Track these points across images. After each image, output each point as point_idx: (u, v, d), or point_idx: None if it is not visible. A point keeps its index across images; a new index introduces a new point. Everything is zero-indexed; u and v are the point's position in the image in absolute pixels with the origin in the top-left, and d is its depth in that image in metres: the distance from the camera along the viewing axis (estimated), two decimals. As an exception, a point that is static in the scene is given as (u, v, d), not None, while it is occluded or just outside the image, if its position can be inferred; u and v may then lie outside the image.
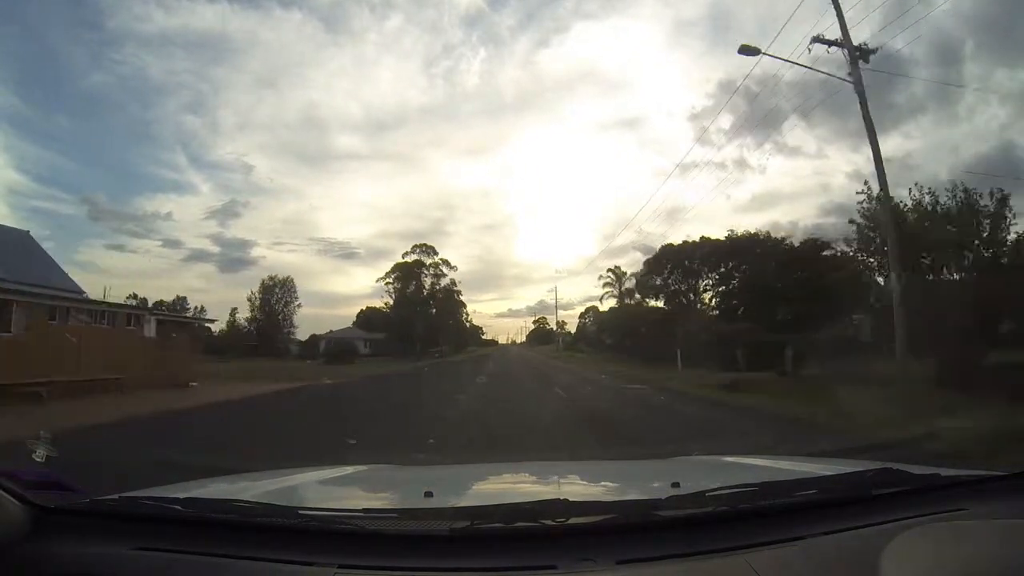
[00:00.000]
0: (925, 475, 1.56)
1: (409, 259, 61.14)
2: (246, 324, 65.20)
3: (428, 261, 61.93)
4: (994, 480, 1.55)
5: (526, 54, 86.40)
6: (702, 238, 38.76)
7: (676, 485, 1.63)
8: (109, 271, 76.85)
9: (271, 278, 67.34)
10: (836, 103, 38.27)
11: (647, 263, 42.94)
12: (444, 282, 62.20)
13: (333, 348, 45.90)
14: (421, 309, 58.33)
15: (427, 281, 61.10)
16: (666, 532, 1.29)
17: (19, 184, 67.66)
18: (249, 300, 66.24)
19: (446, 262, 62.90)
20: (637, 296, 48.94)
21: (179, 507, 1.42)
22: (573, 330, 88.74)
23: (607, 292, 60.91)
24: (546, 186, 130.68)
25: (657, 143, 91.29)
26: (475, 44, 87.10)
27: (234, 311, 69.72)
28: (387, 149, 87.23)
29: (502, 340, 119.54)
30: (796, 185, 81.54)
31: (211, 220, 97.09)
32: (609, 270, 61.47)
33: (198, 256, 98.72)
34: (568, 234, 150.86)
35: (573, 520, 1.25)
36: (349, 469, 2.54)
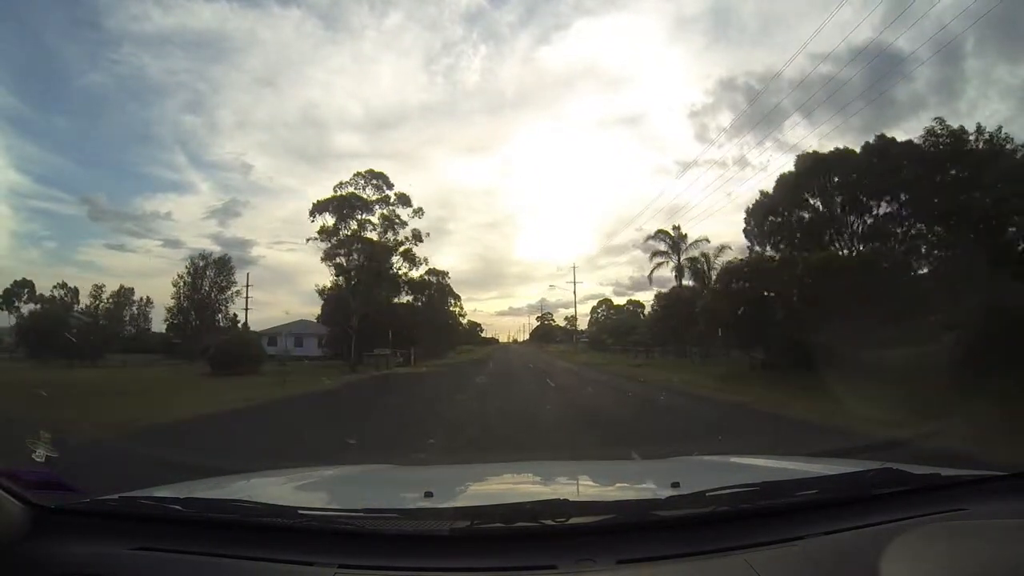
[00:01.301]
0: (925, 475, 1.56)
1: (342, 192, 34.24)
2: (169, 316, 48.96)
3: (374, 197, 34.42)
4: (994, 480, 1.55)
5: (527, 51, 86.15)
6: (879, 137, 21.98)
7: (676, 485, 1.63)
8: (109, 271, 76.39)
9: (202, 256, 50.08)
10: (836, 101, 37.95)
11: (778, 184, 24.41)
12: (404, 234, 35.76)
13: (217, 353, 28.14)
14: (365, 280, 34.81)
15: (373, 235, 35.00)
16: (666, 532, 1.29)
17: (20, 184, 67.40)
18: (175, 285, 49.21)
19: (403, 198, 34.93)
20: (723, 260, 31.27)
21: (179, 507, 1.42)
22: (578, 327, 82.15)
23: (659, 263, 38.68)
24: (547, 184, 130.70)
25: (658, 140, 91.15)
26: (475, 41, 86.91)
27: (128, 292, 53.78)
28: (387, 147, 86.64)
29: (503, 339, 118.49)
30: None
31: (211, 219, 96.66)
32: (660, 231, 38.39)
33: (198, 255, 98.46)
34: (569, 232, 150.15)
35: (573, 520, 1.25)
36: (349, 469, 2.54)
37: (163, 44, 73.84)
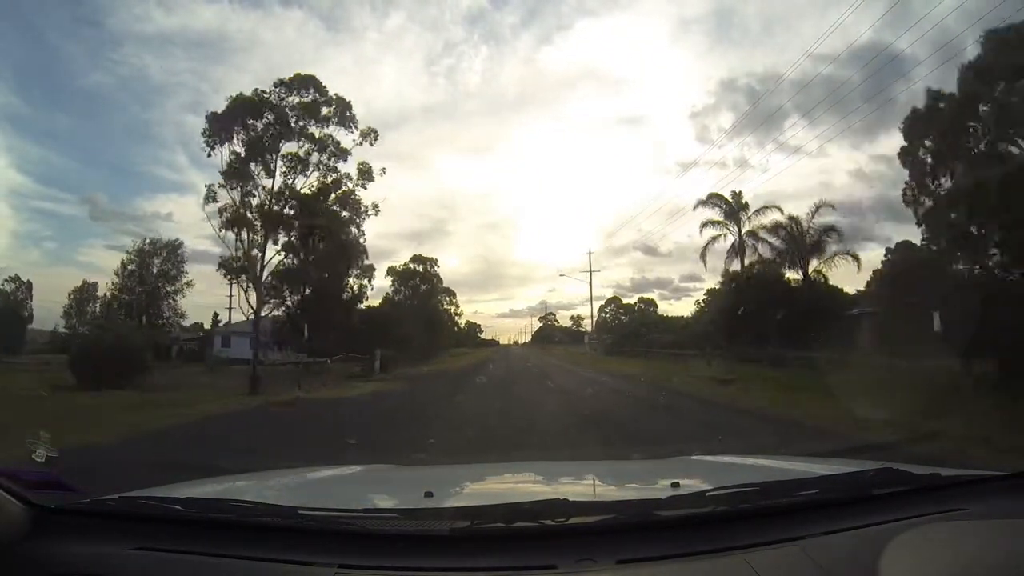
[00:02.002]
0: (925, 475, 1.56)
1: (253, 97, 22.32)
2: (103, 311, 39.51)
3: (295, 100, 22.67)
4: (994, 480, 1.55)
5: (528, 52, 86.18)
6: None
7: (676, 485, 1.64)
8: (110, 271, 75.49)
9: (150, 241, 41.85)
10: (838, 102, 37.49)
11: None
12: (346, 170, 24.33)
13: (78, 358, 19.89)
14: (285, 244, 24.22)
15: (303, 179, 23.44)
16: (666, 532, 1.29)
17: (21, 185, 67.05)
18: (116, 273, 40.78)
19: (341, 108, 23.21)
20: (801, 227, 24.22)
21: (179, 507, 1.42)
22: (587, 328, 78.55)
23: (714, 237, 29.13)
24: (547, 185, 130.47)
25: (659, 141, 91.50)
26: (477, 42, 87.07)
27: (91, 288, 43.71)
28: (388, 148, 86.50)
29: (503, 340, 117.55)
30: (797, 183, 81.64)
31: (212, 220, 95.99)
32: (713, 195, 29.46)
33: (198, 257, 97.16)
34: (570, 234, 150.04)
35: (573, 520, 1.25)
36: (349, 469, 2.54)
37: (164, 44, 73.51)
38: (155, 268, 42.08)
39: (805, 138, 59.23)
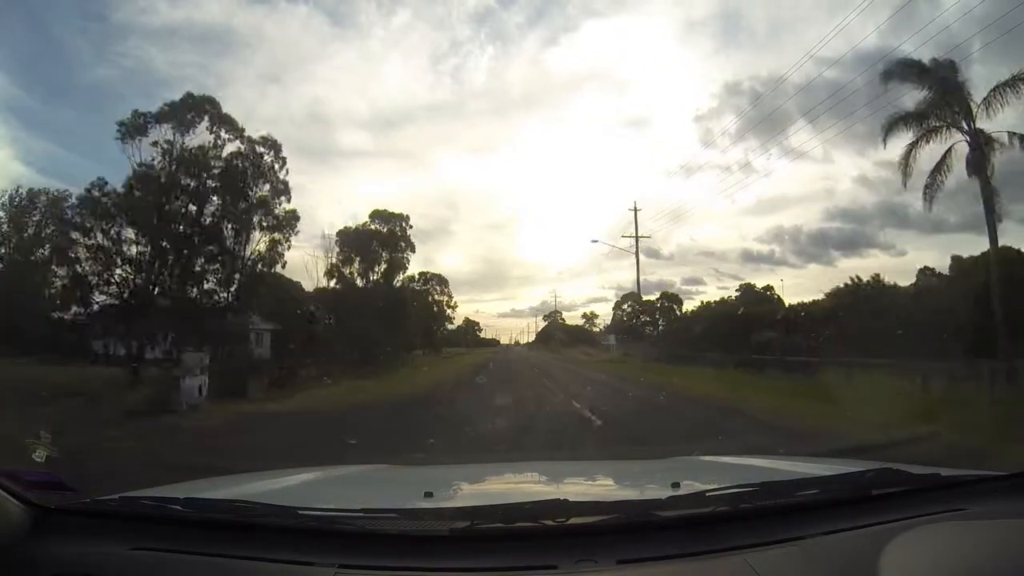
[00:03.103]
0: (925, 475, 1.56)
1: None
2: None
3: None
4: (994, 480, 1.55)
5: (535, 52, 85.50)
6: None
7: (676, 485, 1.64)
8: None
9: (30, 195, 23.03)
10: (839, 104, 36.96)
11: None
12: None
13: None
14: None
15: None
16: (666, 532, 1.29)
17: (23, 176, 66.48)
18: None
19: None
20: None
21: (179, 507, 1.42)
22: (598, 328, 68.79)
23: (921, 136, 15.43)
24: (551, 186, 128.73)
25: (663, 143, 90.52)
26: (483, 41, 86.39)
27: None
28: (392, 146, 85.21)
29: (504, 340, 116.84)
30: (800, 189, 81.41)
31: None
32: (907, 63, 15.78)
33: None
34: (571, 235, 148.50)
35: (573, 520, 1.25)
36: (349, 469, 2.54)
37: (169, 38, 72.76)
38: (29, 229, 24.93)
39: (810, 143, 58.38)
